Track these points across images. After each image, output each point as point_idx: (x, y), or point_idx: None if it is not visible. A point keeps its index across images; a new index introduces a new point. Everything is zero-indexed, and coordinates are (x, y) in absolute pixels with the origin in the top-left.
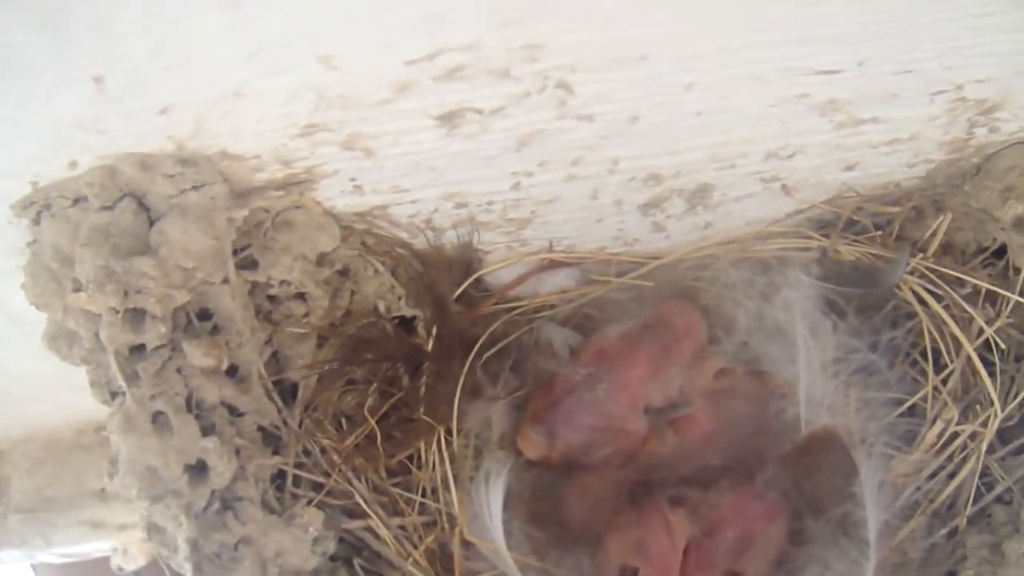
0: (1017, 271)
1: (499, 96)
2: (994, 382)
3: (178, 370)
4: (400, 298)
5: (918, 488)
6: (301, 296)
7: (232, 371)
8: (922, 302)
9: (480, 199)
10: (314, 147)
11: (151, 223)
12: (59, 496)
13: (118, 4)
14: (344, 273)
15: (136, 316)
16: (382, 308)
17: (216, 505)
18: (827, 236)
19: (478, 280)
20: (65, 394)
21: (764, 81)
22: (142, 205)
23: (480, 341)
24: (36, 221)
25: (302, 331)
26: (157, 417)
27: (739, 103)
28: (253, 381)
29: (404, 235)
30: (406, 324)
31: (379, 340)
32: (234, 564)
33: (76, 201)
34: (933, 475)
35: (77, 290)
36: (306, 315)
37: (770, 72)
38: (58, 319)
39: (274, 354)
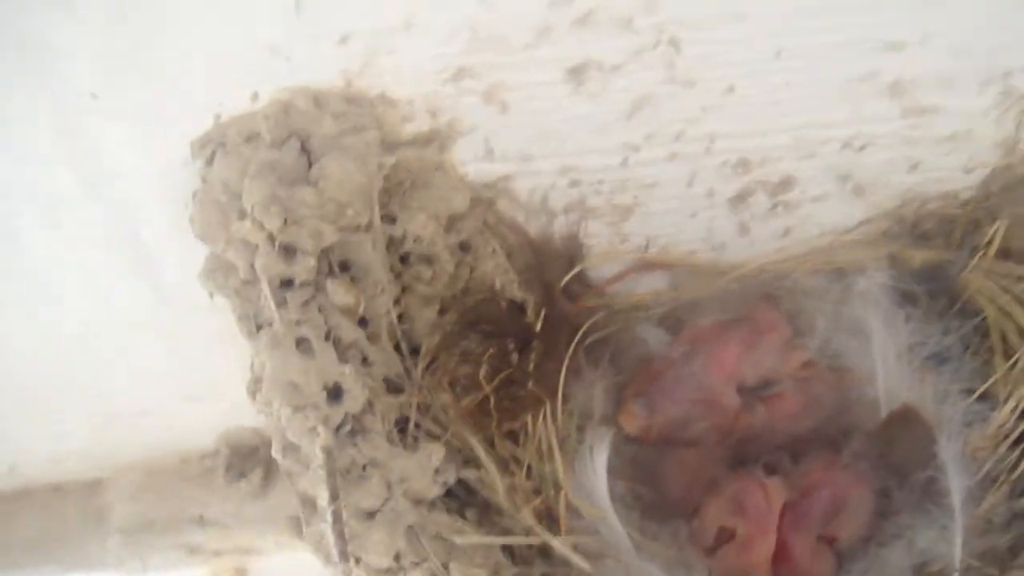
0: None
1: (620, 51)
2: None
3: (319, 308)
4: (514, 282)
5: (998, 461)
6: (428, 260)
7: (363, 322)
8: (986, 297)
9: (592, 176)
10: (460, 95)
11: (310, 164)
12: (159, 519)
13: None
14: (465, 248)
15: (288, 251)
16: (498, 286)
17: (349, 426)
18: (895, 242)
19: (581, 272)
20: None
21: (841, 51)
22: (304, 148)
23: (583, 329)
24: (209, 161)
25: (429, 293)
26: (301, 342)
27: (820, 77)
28: (383, 333)
29: (521, 216)
30: (517, 305)
31: (495, 316)
32: (362, 482)
33: (249, 138)
34: (1011, 446)
35: (242, 218)
36: (432, 280)
37: (845, 42)
38: (219, 251)
39: (400, 315)
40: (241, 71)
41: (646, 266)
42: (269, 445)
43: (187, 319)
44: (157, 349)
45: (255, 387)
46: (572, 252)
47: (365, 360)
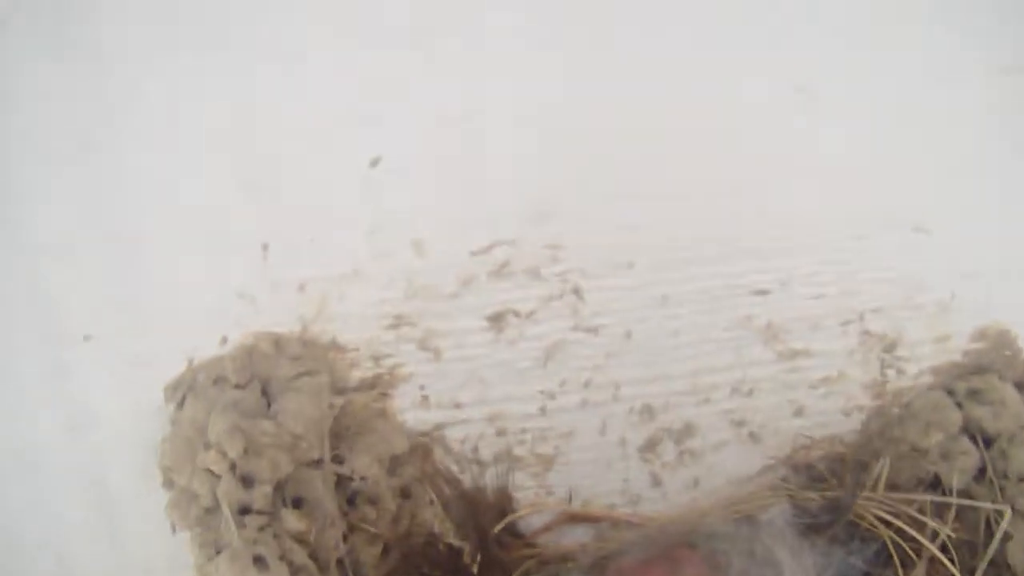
0: (951, 490)
1: (532, 298)
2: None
3: (275, 535)
4: (451, 529)
5: None
6: (373, 501)
7: (313, 555)
8: (882, 521)
9: (516, 424)
10: (399, 342)
11: (269, 404)
12: None
13: None
14: (406, 495)
15: (248, 480)
16: (436, 530)
17: None
18: (793, 485)
19: (511, 523)
20: None
21: (717, 298)
22: (264, 390)
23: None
24: (180, 405)
25: (374, 532)
26: (258, 560)
27: (703, 322)
28: (331, 563)
29: (455, 465)
30: (455, 550)
31: (435, 558)
32: None
33: (216, 380)
34: None
35: (207, 448)
36: (376, 520)
37: (721, 288)
38: (184, 483)
39: (348, 550)
40: (214, 315)
41: (569, 520)
42: None
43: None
44: None
45: None
46: (503, 503)
47: None
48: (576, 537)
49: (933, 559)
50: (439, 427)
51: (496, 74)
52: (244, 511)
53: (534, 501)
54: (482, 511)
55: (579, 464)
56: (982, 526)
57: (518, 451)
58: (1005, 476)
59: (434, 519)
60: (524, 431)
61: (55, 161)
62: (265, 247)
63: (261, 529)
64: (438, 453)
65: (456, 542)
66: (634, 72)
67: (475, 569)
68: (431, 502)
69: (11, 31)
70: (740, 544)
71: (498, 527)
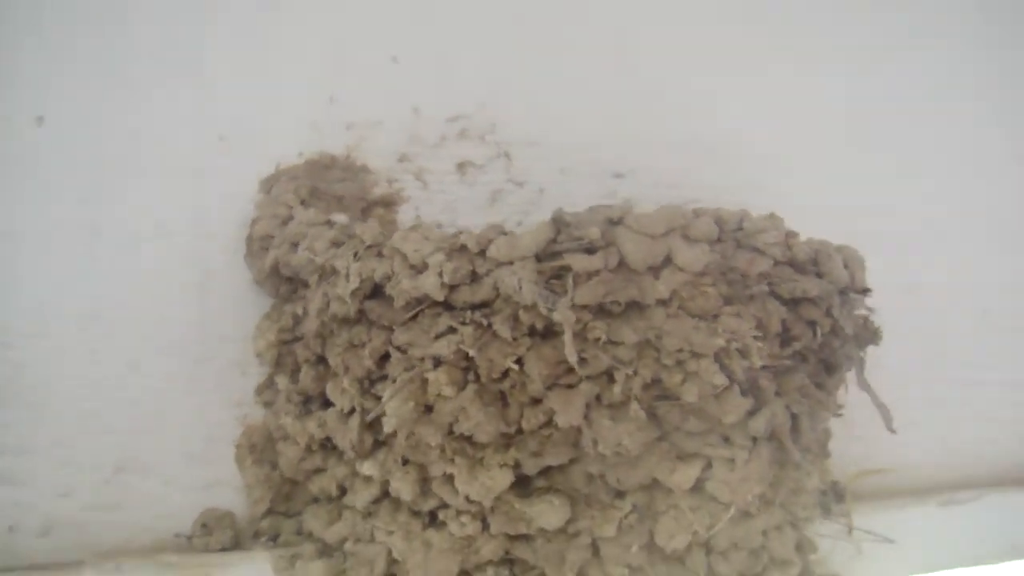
0: None
1: (481, 156)
2: None
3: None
4: None
5: None
6: None
7: None
8: None
9: None
10: (404, 173)
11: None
12: None
13: None
14: None
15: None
16: None
17: None
18: None
19: None
20: None
21: None
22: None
23: None
24: (268, 191)
25: None
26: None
27: None
28: None
29: None
30: None
31: None
32: None
33: (292, 178)
34: None
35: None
36: None
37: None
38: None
39: None
40: (293, 140)
41: None
42: None
43: None
44: None
45: None
46: None
47: None
48: None
49: None
50: None
51: None
52: None
53: None
54: None
55: None
56: None
57: None
58: None
59: None
60: None
61: None
62: (331, 99)
63: None
64: None
65: None
66: None
67: None
68: None
69: None
70: None
71: None
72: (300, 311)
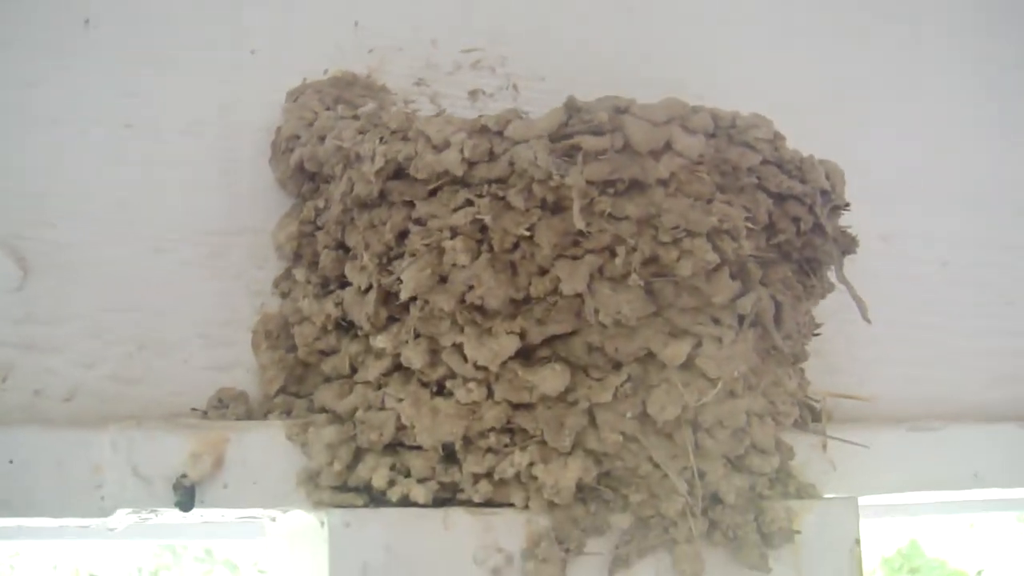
0: None
1: (492, 86)
2: None
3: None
4: None
5: None
6: None
7: None
8: None
9: None
10: (420, 96)
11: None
12: None
13: None
14: None
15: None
16: None
17: None
18: None
19: None
20: None
21: None
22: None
23: None
24: (296, 100)
25: None
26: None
27: None
28: None
29: None
30: None
31: None
32: None
33: (318, 91)
34: None
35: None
36: None
37: None
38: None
39: None
40: (324, 58)
41: None
42: None
43: None
44: None
45: None
46: None
47: None
48: None
49: None
50: None
51: None
52: None
53: None
54: None
55: None
56: None
57: None
58: None
59: None
60: None
61: None
62: (356, 24)
63: None
64: None
65: None
66: None
67: None
68: None
69: None
70: None
71: None
72: (322, 204)
